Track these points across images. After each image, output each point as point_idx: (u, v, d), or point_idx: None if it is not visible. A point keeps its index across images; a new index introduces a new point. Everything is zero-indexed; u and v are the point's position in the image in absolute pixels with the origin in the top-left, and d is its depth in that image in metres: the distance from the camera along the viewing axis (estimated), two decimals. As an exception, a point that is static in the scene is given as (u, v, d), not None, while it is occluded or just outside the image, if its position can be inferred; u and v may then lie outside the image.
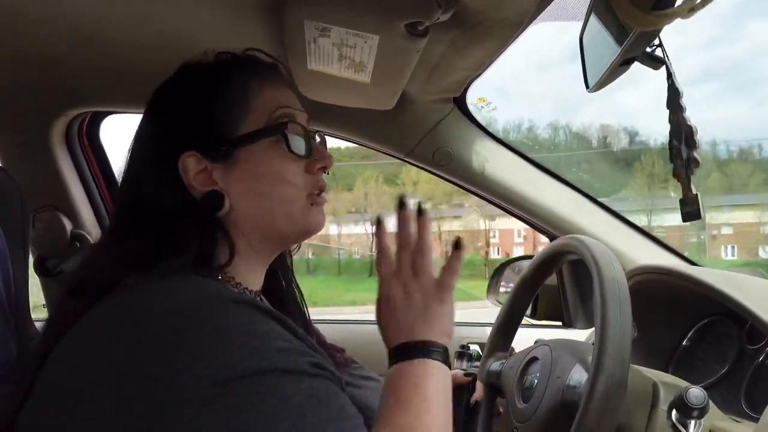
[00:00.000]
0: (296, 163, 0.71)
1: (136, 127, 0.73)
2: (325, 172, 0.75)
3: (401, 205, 0.73)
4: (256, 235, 0.71)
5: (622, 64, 0.61)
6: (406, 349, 0.69)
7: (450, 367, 0.70)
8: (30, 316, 0.85)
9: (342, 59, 0.92)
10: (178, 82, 0.72)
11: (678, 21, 0.48)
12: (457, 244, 0.75)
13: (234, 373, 0.50)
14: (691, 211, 0.62)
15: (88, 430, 0.51)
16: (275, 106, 0.71)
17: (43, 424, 0.55)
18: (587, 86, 0.74)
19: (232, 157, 0.68)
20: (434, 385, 0.66)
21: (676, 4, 0.45)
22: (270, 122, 0.70)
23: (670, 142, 0.61)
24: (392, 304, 0.71)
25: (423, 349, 0.69)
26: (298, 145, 0.71)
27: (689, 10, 0.45)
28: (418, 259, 0.72)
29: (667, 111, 0.61)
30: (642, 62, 0.59)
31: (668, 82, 0.60)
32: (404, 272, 0.72)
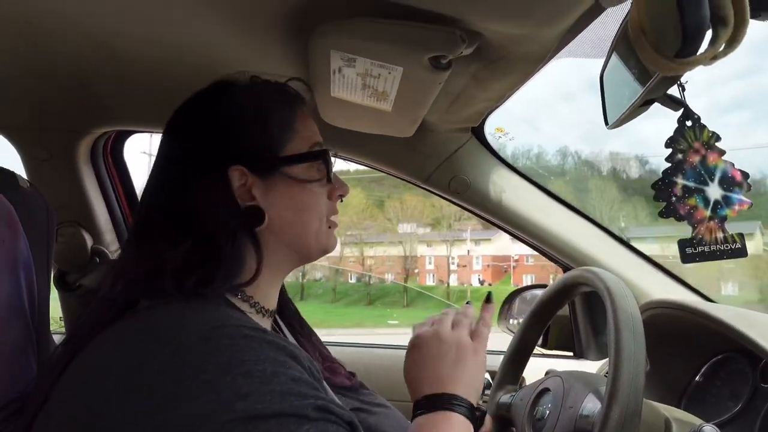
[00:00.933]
0: (324, 188, 0.77)
1: (170, 142, 0.75)
2: (341, 200, 0.81)
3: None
4: (283, 251, 0.74)
5: (642, 105, 0.62)
6: (430, 400, 0.71)
7: (474, 423, 0.71)
8: (50, 330, 0.87)
9: (365, 88, 0.94)
10: (218, 98, 0.75)
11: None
12: (488, 298, 0.83)
13: (235, 416, 0.49)
14: (694, 253, 0.63)
15: None
16: (312, 134, 0.77)
17: None
18: (606, 123, 0.76)
19: (274, 175, 0.72)
20: None
21: (699, 53, 0.47)
22: (309, 148, 0.75)
23: (670, 178, 0.62)
24: (425, 353, 0.75)
25: (448, 402, 0.70)
26: (331, 173, 0.77)
27: (711, 58, 0.46)
28: (461, 319, 0.79)
29: (669, 149, 0.62)
30: (662, 104, 0.60)
31: (680, 122, 0.62)
32: (444, 325, 0.77)
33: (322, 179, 0.76)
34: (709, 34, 0.47)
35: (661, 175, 0.63)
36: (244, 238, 0.69)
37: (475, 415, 0.72)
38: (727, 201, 0.57)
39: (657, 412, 0.87)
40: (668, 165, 0.62)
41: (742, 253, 0.58)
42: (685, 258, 0.62)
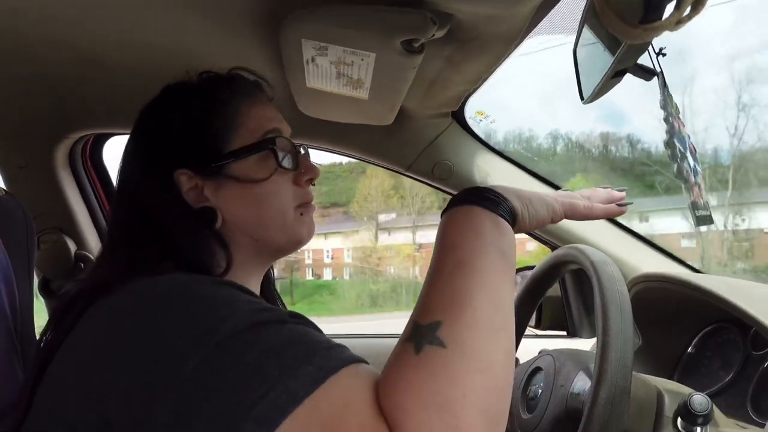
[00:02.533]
0: (285, 176, 0.73)
1: (127, 146, 0.75)
2: (312, 184, 0.78)
3: None
4: (250, 246, 0.72)
5: (614, 76, 0.62)
6: (456, 201, 0.60)
7: (514, 228, 0.60)
8: (35, 337, 0.86)
9: (340, 77, 0.93)
10: (166, 101, 0.75)
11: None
12: None
13: (220, 336, 0.47)
14: (704, 215, 0.62)
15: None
16: (262, 123, 0.74)
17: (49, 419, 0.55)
18: (582, 98, 0.75)
19: (222, 173, 0.70)
20: (477, 242, 0.54)
21: (664, 18, 0.46)
22: (258, 139, 0.72)
23: (672, 146, 0.61)
24: None
25: (471, 195, 0.60)
26: (286, 158, 0.73)
27: (676, 22, 0.46)
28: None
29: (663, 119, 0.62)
30: (634, 74, 0.60)
31: (662, 91, 0.61)
32: None
33: (277, 168, 0.72)
34: (673, -1, 0.46)
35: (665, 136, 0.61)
36: (208, 237, 0.68)
37: (514, 220, 0.60)
38: (696, 171, 0.58)
39: (649, 384, 0.88)
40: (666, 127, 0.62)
41: (710, 220, 0.59)
42: (698, 220, 0.60)
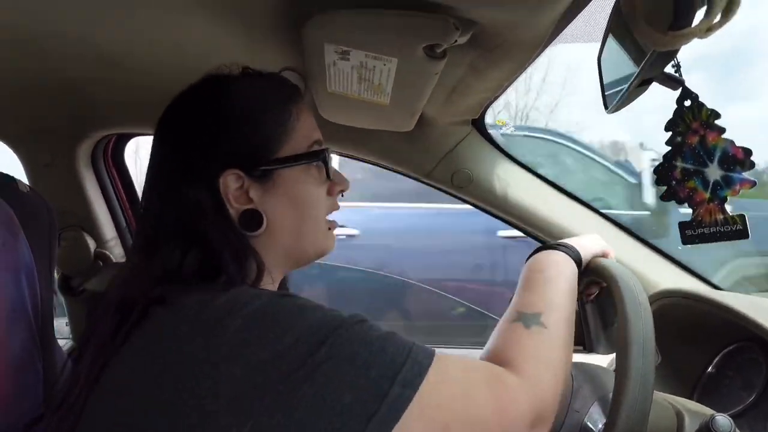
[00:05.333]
0: (323, 186, 0.75)
1: (161, 144, 0.71)
2: (341, 195, 0.79)
3: None
4: (282, 254, 0.72)
5: (640, 85, 0.61)
6: (538, 248, 0.84)
7: (579, 269, 0.82)
8: (54, 334, 0.86)
9: (361, 82, 0.93)
10: (213, 94, 0.71)
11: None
12: None
13: (318, 339, 0.53)
14: (695, 234, 0.61)
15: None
16: (310, 131, 0.74)
17: None
18: (606, 107, 0.74)
19: (271, 177, 0.69)
20: (558, 269, 0.78)
21: (693, 25, 0.45)
22: (309, 147, 0.73)
23: (667, 170, 0.61)
24: None
25: (555, 245, 0.83)
26: (331, 171, 0.76)
27: (707, 29, 0.44)
28: None
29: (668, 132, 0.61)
30: (661, 83, 0.59)
31: (679, 103, 0.60)
32: None
33: (320, 178, 0.74)
34: (703, 5, 0.45)
35: (661, 160, 0.61)
36: (246, 244, 0.67)
37: (581, 264, 0.83)
38: (727, 181, 0.56)
39: (668, 404, 0.85)
40: (668, 148, 0.61)
41: (743, 234, 0.57)
42: (685, 239, 0.60)
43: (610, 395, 0.77)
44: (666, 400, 0.89)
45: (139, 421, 0.51)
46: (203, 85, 0.72)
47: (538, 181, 1.34)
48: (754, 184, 0.55)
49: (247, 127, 0.69)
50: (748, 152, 0.56)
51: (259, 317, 0.54)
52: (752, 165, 0.56)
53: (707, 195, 0.57)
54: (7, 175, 0.87)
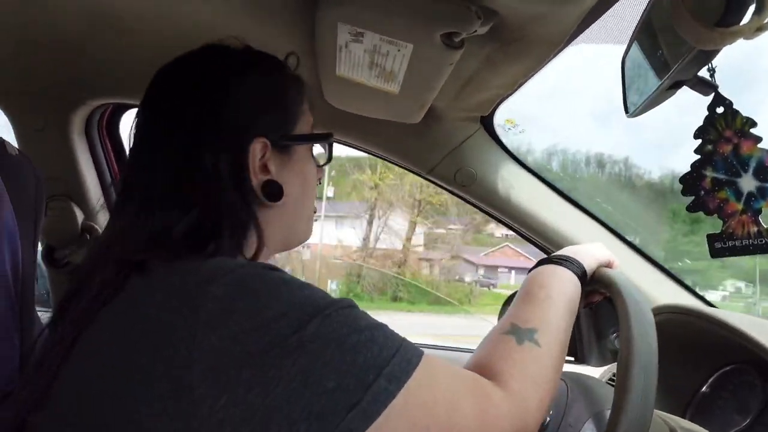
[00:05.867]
0: (315, 171, 0.77)
1: (175, 106, 0.66)
2: (319, 183, 0.80)
3: None
4: (281, 232, 0.72)
5: (670, 88, 0.58)
6: (544, 260, 0.81)
7: (583, 285, 0.78)
8: (34, 305, 0.83)
9: (373, 67, 0.90)
10: (242, 64, 0.69)
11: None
12: None
13: (306, 316, 0.50)
14: (724, 248, 0.58)
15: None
16: (311, 118, 0.76)
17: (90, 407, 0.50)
18: (626, 111, 0.71)
19: (289, 151, 0.71)
20: (560, 287, 0.74)
21: (743, 22, 0.42)
22: (310, 130, 0.75)
23: (695, 179, 0.58)
24: None
25: (558, 258, 0.80)
26: (331, 156, 0.80)
27: (756, 29, 0.42)
28: None
29: (698, 140, 0.58)
30: (692, 87, 0.56)
31: (710, 110, 0.57)
32: None
33: (315, 162, 0.77)
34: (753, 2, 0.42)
35: (689, 168, 0.58)
36: (252, 215, 0.65)
37: (585, 279, 0.79)
38: (762, 192, 0.53)
39: (662, 422, 0.83)
40: (697, 157, 0.58)
41: (731, 252, 0.54)
42: (715, 252, 0.57)
43: (606, 412, 0.74)
44: (659, 417, 0.87)
45: (113, 387, 0.48)
46: (212, 52, 0.70)
47: (542, 186, 1.31)
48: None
49: (274, 99, 0.70)
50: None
51: (243, 286, 0.51)
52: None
53: (740, 206, 0.54)
54: None
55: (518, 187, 1.28)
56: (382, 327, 0.54)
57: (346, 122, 1.22)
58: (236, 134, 0.65)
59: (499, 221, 1.34)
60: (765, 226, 0.53)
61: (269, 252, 0.72)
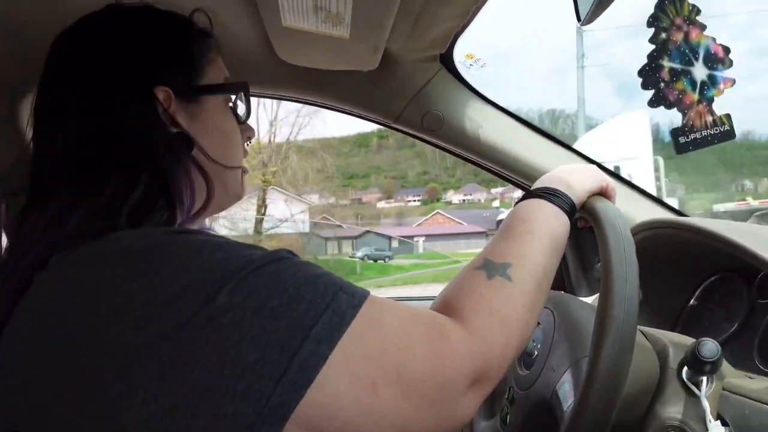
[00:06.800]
0: (237, 128, 0.74)
1: (81, 68, 0.63)
2: (249, 143, 0.77)
3: None
4: (203, 193, 0.66)
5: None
6: (529, 193, 0.75)
7: (571, 219, 0.73)
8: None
9: (317, 11, 0.86)
10: (138, 17, 0.67)
11: None
12: None
13: (215, 284, 0.45)
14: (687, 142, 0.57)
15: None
16: (224, 70, 0.73)
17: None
18: (579, 19, 0.68)
19: (198, 102, 0.67)
20: (544, 222, 0.69)
21: None
22: (225, 81, 0.72)
23: (654, 70, 0.56)
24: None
25: (545, 191, 0.74)
26: (250, 110, 0.75)
27: None
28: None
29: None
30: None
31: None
32: None
33: (236, 116, 0.73)
34: None
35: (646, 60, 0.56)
36: (189, 163, 0.63)
37: (574, 213, 0.75)
38: (713, 80, 0.51)
39: (652, 336, 0.83)
40: (652, 47, 0.55)
41: (730, 135, 0.52)
42: (679, 148, 0.56)
43: (584, 360, 0.73)
44: (648, 333, 0.86)
45: (35, 399, 0.45)
46: (113, 11, 0.67)
47: (511, 121, 1.28)
48: (734, 82, 0.51)
49: (174, 48, 0.67)
50: (727, 50, 0.52)
51: (143, 260, 0.46)
52: (731, 63, 0.52)
53: (696, 96, 0.52)
54: None
55: (487, 125, 1.26)
56: (317, 278, 0.49)
57: (302, 78, 1.19)
58: (140, 84, 0.62)
59: (472, 162, 1.32)
60: (718, 114, 0.51)
61: (205, 212, 0.68)
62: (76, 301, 0.46)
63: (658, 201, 1.29)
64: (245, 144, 0.76)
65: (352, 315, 0.47)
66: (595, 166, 0.83)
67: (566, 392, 0.77)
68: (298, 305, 0.46)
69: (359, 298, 0.49)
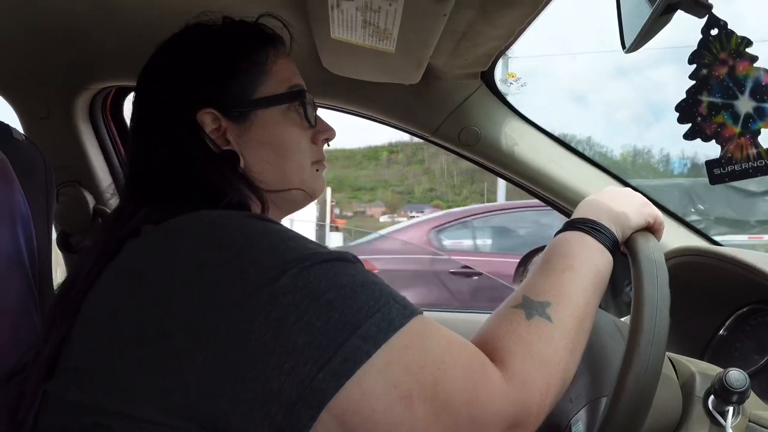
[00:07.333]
0: (305, 132, 0.75)
1: (144, 93, 0.73)
2: (327, 144, 0.79)
3: None
4: (274, 196, 0.71)
5: (663, 13, 0.56)
6: (571, 224, 0.71)
7: (613, 255, 0.69)
8: (53, 287, 0.84)
9: (366, 26, 0.89)
10: (189, 39, 0.73)
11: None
12: None
13: (279, 267, 0.49)
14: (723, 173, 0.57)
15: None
16: (288, 75, 0.75)
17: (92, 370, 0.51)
18: (623, 46, 0.70)
19: (249, 119, 0.70)
20: (586, 258, 0.66)
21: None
22: (285, 90, 0.73)
23: (691, 106, 0.57)
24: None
25: (586, 223, 0.70)
26: (311, 115, 0.75)
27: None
28: None
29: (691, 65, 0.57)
30: (686, 9, 0.54)
31: (704, 33, 0.56)
32: None
33: (301, 122, 0.74)
34: None
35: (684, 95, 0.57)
36: (237, 179, 0.67)
37: (617, 249, 0.71)
38: (760, 113, 0.52)
39: (680, 364, 0.82)
40: (692, 83, 0.57)
41: (733, 176, 0.53)
42: (714, 179, 0.56)
43: (603, 400, 0.71)
44: (675, 359, 0.86)
45: (112, 349, 0.50)
46: (182, 34, 0.74)
47: (548, 141, 1.29)
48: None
49: (222, 71, 0.70)
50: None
51: (222, 235, 0.51)
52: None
53: (737, 129, 0.53)
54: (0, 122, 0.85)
55: (523, 144, 1.27)
56: (371, 286, 0.51)
57: (347, 89, 1.22)
58: (184, 110, 0.68)
59: (507, 179, 1.33)
60: (764, 147, 0.52)
61: (280, 213, 0.75)
62: (156, 263, 0.52)
63: (692, 228, 1.28)
64: (323, 145, 0.78)
65: (401, 324, 0.49)
66: (641, 196, 0.79)
67: (579, 431, 0.77)
68: (352, 303, 0.48)
69: (410, 310, 0.51)
